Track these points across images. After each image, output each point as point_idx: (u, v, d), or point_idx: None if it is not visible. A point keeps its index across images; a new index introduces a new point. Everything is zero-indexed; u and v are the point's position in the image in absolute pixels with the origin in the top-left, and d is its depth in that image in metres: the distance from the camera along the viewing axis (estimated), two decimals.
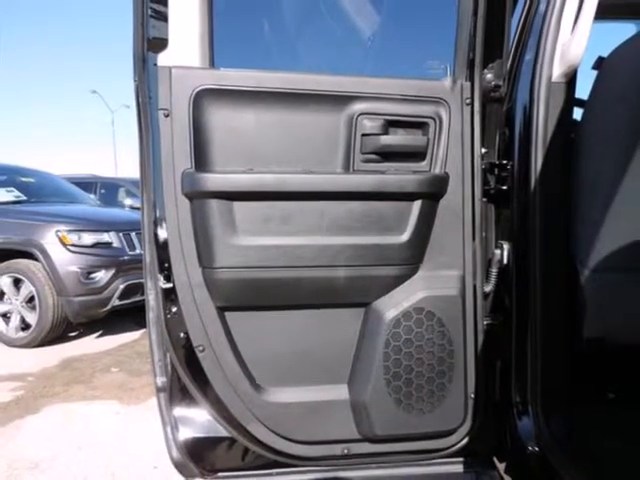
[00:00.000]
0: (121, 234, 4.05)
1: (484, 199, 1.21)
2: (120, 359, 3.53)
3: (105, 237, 3.95)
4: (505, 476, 1.26)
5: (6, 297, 3.91)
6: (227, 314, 1.14)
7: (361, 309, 1.19)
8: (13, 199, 4.48)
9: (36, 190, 4.89)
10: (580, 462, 1.10)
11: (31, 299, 3.80)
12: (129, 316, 4.44)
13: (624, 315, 1.21)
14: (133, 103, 1.11)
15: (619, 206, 1.12)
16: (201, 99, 1.04)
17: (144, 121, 1.09)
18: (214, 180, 1.05)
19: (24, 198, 4.57)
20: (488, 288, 1.23)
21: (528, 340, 1.19)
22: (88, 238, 3.85)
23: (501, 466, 1.29)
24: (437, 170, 1.15)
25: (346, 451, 1.22)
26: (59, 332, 3.88)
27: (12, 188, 4.59)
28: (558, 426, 1.18)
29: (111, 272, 3.84)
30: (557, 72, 1.12)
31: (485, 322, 1.23)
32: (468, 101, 1.13)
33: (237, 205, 1.07)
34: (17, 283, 3.87)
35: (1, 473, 1.99)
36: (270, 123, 1.08)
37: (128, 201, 6.47)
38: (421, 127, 1.14)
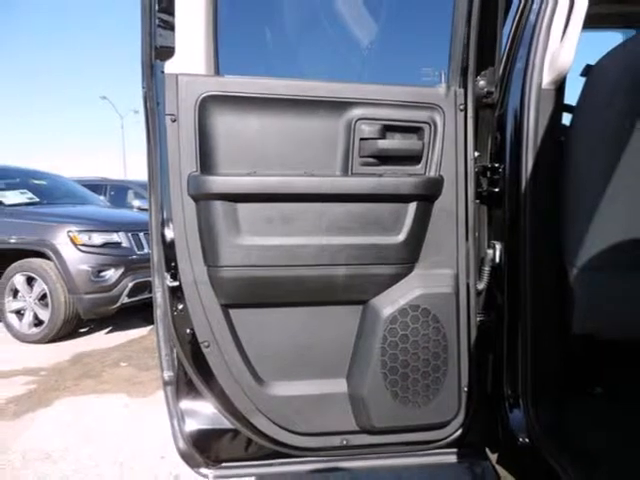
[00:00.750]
0: (130, 234, 4.13)
1: (477, 201, 1.23)
2: (129, 354, 3.60)
3: (114, 237, 4.03)
4: (497, 466, 1.29)
5: (20, 295, 4.01)
6: (231, 311, 1.17)
7: (359, 306, 1.21)
8: (26, 201, 4.57)
9: (48, 192, 4.98)
10: (568, 453, 1.12)
11: (43, 296, 3.90)
12: (137, 313, 4.52)
13: (612, 312, 1.23)
14: (141, 109, 1.14)
15: (607, 207, 1.14)
16: (206, 105, 1.07)
17: (152, 126, 1.12)
18: (219, 182, 1.08)
19: (36, 200, 4.66)
20: (481, 286, 1.26)
21: (519, 336, 1.22)
22: (98, 238, 3.93)
23: (493, 457, 1.32)
24: (432, 173, 1.17)
25: (345, 442, 1.25)
26: (70, 328, 3.97)
27: (25, 190, 4.69)
28: (548, 418, 1.21)
29: (120, 271, 3.92)
30: (547, 79, 1.14)
31: (478, 318, 1.26)
32: (462, 107, 1.16)
33: (241, 206, 1.10)
34: (30, 281, 3.97)
35: (16, 463, 2.06)
36: (272, 128, 1.11)
37: (136, 203, 6.51)
38: (417, 132, 1.17)
